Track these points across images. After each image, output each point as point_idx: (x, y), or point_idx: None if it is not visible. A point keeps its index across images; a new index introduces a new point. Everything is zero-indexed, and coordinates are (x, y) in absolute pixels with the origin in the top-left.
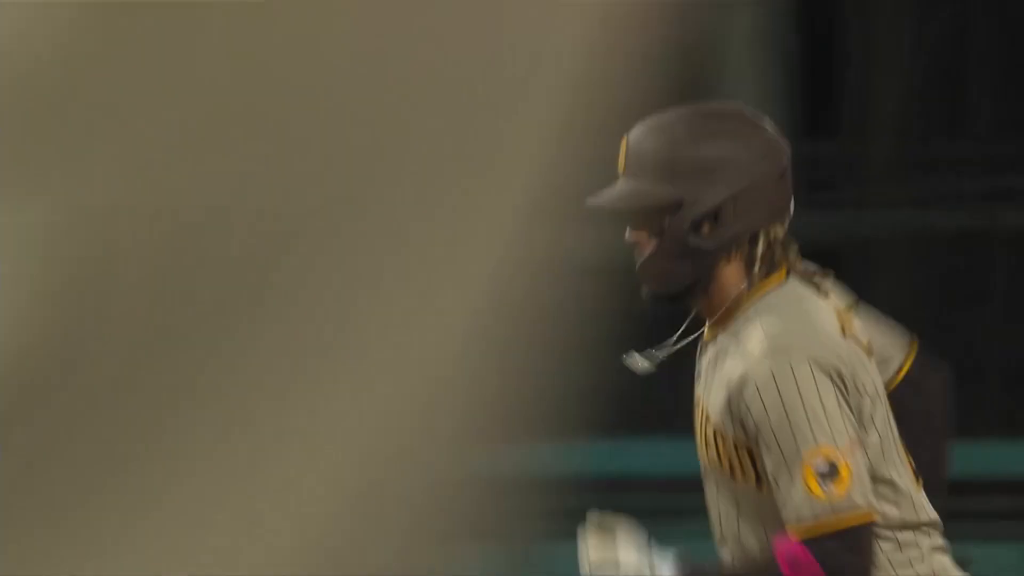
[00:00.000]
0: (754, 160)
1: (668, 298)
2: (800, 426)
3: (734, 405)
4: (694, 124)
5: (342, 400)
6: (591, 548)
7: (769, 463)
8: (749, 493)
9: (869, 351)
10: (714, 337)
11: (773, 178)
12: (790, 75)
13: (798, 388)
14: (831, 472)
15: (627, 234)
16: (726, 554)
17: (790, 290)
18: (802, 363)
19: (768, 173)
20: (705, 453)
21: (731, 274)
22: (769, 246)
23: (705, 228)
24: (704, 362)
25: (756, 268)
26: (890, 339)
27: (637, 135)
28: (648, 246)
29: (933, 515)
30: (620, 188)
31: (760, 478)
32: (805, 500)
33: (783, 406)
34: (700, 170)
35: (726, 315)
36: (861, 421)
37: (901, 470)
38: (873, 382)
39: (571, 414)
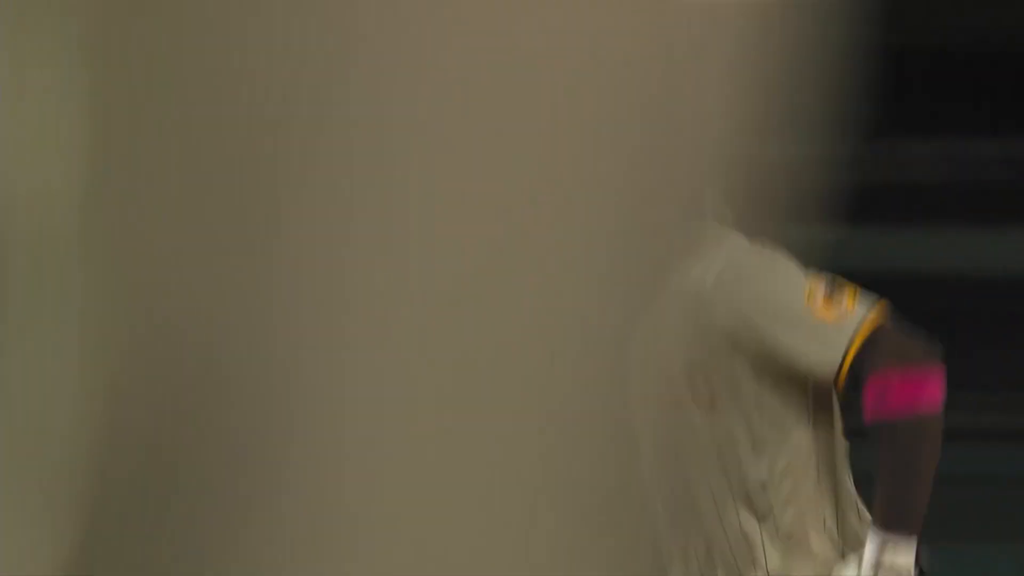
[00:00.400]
0: None
1: None
2: (782, 284)
3: (700, 314)
4: None
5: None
6: None
7: (779, 339)
8: (702, 426)
9: None
10: None
11: None
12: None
13: (759, 265)
14: (833, 288)
15: None
16: (673, 509)
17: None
18: (750, 251)
19: None
20: (647, 412)
21: None
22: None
23: None
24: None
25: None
26: None
27: None
28: None
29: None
30: None
31: (713, 399)
32: (833, 327)
33: (759, 281)
34: None
35: None
36: None
37: None
38: None
39: None
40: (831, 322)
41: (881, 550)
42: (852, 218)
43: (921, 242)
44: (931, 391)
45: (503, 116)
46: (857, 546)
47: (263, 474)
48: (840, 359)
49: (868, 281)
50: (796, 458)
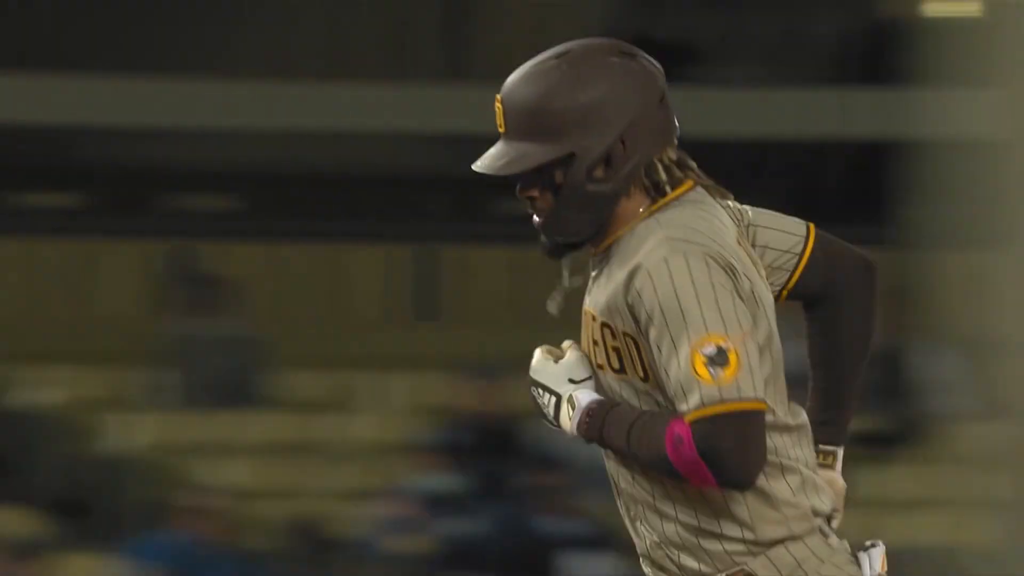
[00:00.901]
0: (632, 94)
1: (573, 246)
2: (691, 311)
3: (627, 294)
4: (565, 71)
5: None
6: (536, 357)
7: (661, 351)
8: (638, 388)
9: (760, 267)
10: (605, 251)
11: (654, 105)
12: None
13: (691, 277)
14: (720, 357)
15: (518, 192)
16: (614, 468)
17: (689, 198)
18: (696, 256)
19: (648, 102)
20: (594, 356)
21: (631, 205)
22: (666, 169)
23: (599, 172)
24: (593, 274)
25: (656, 193)
26: (787, 227)
27: (510, 92)
28: (544, 202)
29: (812, 459)
30: (505, 150)
31: (647, 372)
32: (693, 384)
33: (675, 292)
34: (583, 118)
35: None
36: (756, 331)
37: (787, 407)
38: (767, 298)
39: None
40: (699, 379)
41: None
42: None
43: None
44: (699, 479)
45: None
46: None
47: None
48: (686, 412)
49: None
50: None
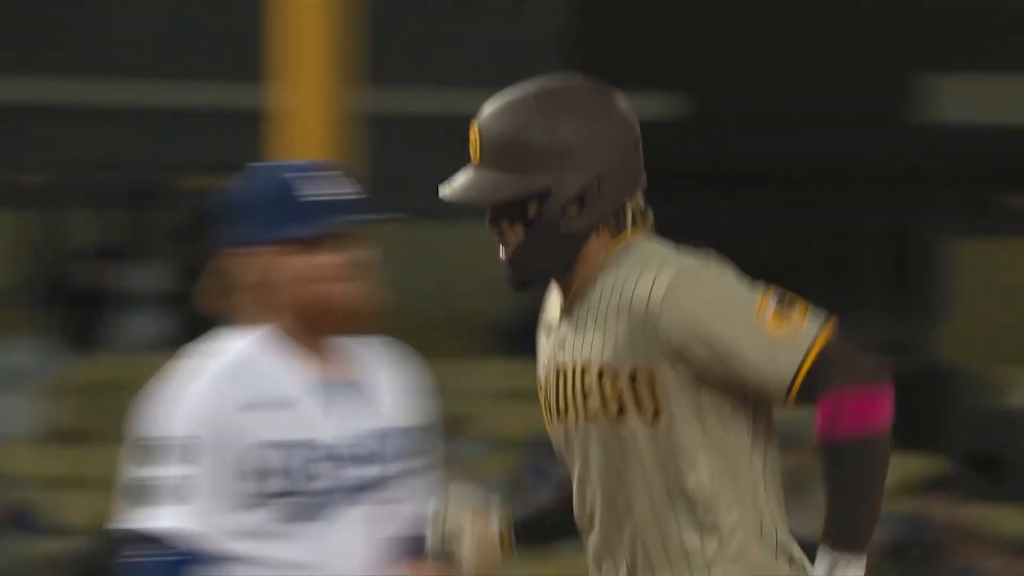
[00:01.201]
0: (611, 135)
1: (538, 283)
2: (734, 296)
3: (647, 324)
4: (547, 106)
5: None
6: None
7: (729, 348)
8: (640, 434)
9: None
10: (577, 299)
11: (630, 149)
12: None
13: (710, 274)
14: (784, 301)
15: (487, 223)
16: (608, 520)
17: (647, 238)
18: (701, 264)
19: (625, 145)
20: (582, 409)
21: (596, 247)
22: (632, 215)
23: (572, 211)
24: (565, 327)
25: (620, 236)
26: None
27: (489, 122)
28: (514, 235)
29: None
30: (478, 179)
31: (658, 410)
32: (781, 344)
33: (710, 292)
34: (562, 155)
35: (587, 277)
36: None
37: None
38: None
39: None
40: (782, 337)
41: (832, 568)
42: None
43: None
44: (882, 410)
45: None
46: (791, 554)
47: None
48: (792, 376)
49: None
50: (736, 470)
